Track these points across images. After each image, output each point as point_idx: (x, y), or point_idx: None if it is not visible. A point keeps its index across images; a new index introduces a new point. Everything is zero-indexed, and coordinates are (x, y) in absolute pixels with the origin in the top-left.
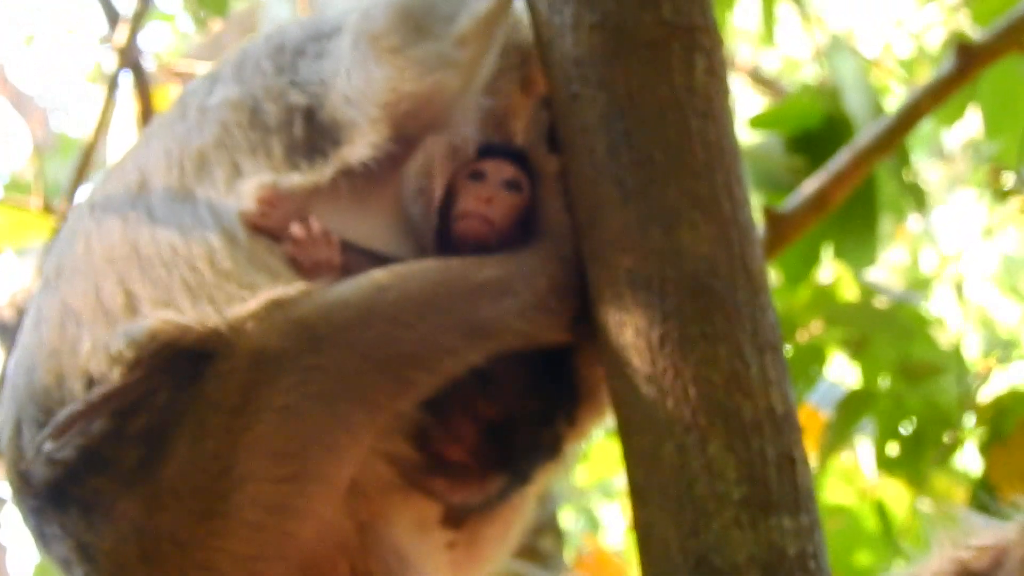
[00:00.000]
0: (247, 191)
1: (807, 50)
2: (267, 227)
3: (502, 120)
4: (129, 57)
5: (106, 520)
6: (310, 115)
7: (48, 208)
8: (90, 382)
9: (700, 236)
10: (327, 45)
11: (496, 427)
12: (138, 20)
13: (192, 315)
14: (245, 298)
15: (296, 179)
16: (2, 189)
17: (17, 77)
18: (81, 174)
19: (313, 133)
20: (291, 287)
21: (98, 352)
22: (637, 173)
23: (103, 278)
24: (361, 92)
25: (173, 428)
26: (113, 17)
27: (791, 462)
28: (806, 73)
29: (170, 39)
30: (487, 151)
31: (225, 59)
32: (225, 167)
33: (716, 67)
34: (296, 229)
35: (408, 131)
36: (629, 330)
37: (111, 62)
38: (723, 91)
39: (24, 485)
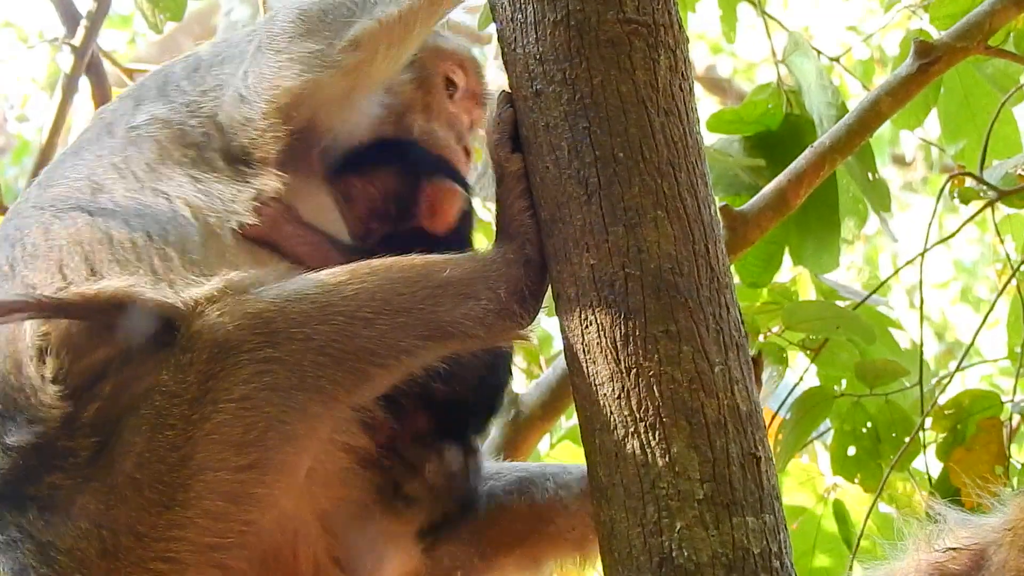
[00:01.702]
0: (239, 204)
1: (762, 52)
2: (262, 234)
3: (400, 117)
4: (86, 59)
5: (65, 517)
6: (217, 120)
7: (4, 211)
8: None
9: (663, 234)
10: (231, 51)
11: (449, 409)
12: (95, 22)
13: (152, 293)
14: (204, 284)
15: (270, 184)
16: None
17: None
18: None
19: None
20: (246, 273)
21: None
22: (600, 171)
23: (69, 257)
24: (252, 89)
25: (128, 417)
26: (71, 18)
27: (756, 460)
28: (761, 76)
29: (125, 40)
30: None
31: (144, 81)
32: (181, 177)
33: (679, 65)
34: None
35: (295, 124)
36: (592, 328)
37: (68, 64)
38: (687, 88)
39: None
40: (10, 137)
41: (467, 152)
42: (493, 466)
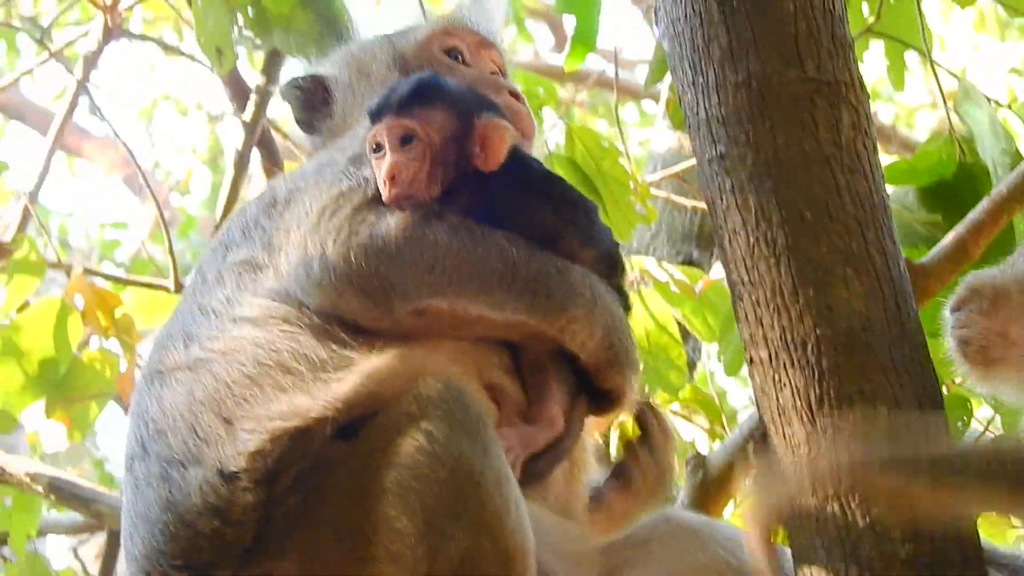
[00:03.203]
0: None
1: (922, 98)
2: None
3: None
4: (256, 133)
5: None
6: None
7: (180, 287)
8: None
9: (853, 293)
10: (304, 183)
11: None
12: (265, 95)
13: (314, 408)
14: (342, 379)
15: None
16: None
17: (135, 153)
18: None
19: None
20: (383, 356)
21: (212, 481)
22: (788, 231)
23: (195, 420)
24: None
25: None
26: (240, 93)
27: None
28: (921, 121)
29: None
30: (373, 114)
31: (229, 223)
32: (260, 299)
33: (862, 122)
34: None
35: None
36: (786, 390)
37: (238, 137)
38: (870, 146)
39: None
40: (173, 211)
41: (515, 95)
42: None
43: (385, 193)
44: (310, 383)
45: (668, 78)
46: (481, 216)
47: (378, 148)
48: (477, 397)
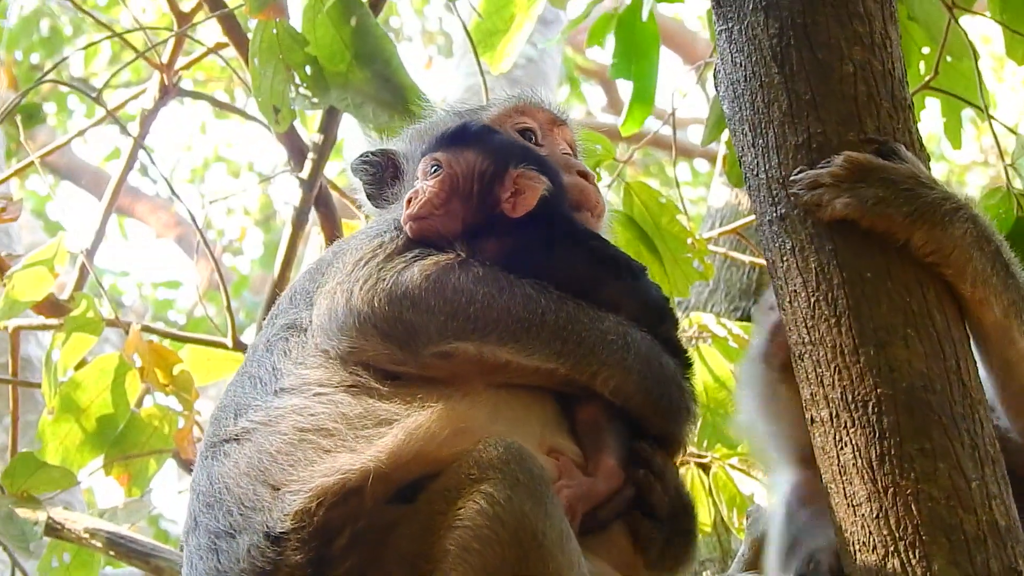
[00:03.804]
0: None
1: (975, 155)
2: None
3: None
4: (315, 191)
5: None
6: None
7: (238, 345)
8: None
9: (914, 352)
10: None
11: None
12: (323, 154)
13: (356, 463)
14: (383, 434)
15: None
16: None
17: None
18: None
19: None
20: (425, 411)
21: (259, 544)
22: (848, 291)
23: (242, 491)
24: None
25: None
26: (298, 152)
27: (1017, 575)
28: (972, 178)
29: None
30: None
31: (280, 298)
32: (303, 369)
33: None
34: None
35: None
36: (848, 449)
37: (295, 195)
38: None
39: None
40: (226, 270)
41: (585, 175)
42: None
43: (403, 216)
44: (351, 440)
45: (724, 134)
46: (514, 266)
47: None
48: (536, 457)
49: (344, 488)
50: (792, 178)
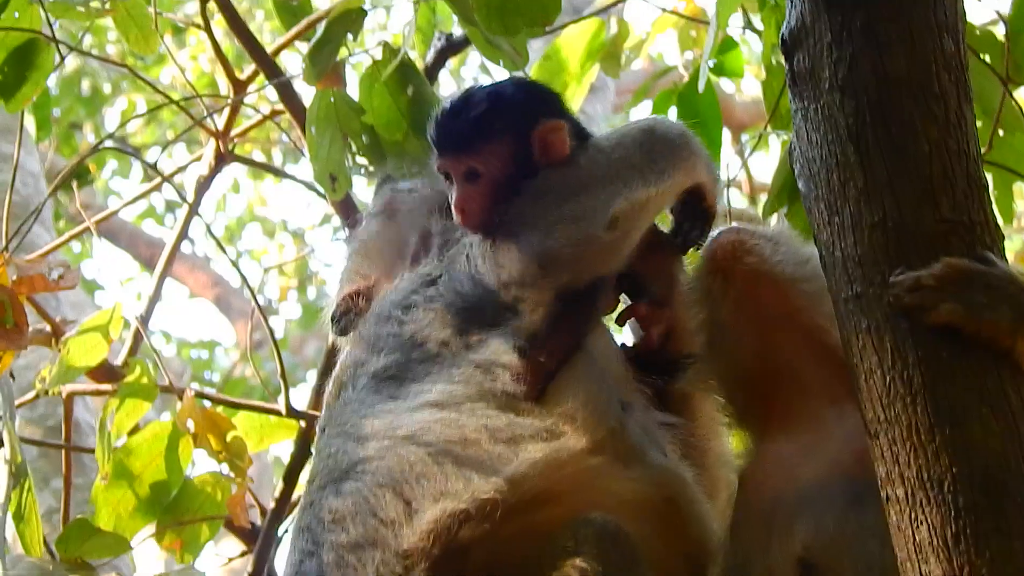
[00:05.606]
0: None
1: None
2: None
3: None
4: None
5: None
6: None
7: (291, 411)
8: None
9: (989, 431)
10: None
11: None
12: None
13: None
14: (510, 460)
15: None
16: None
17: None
18: (325, 374)
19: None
20: (539, 447)
21: (389, 562)
22: (924, 370)
23: (379, 499)
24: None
25: None
26: (348, 211)
27: None
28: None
29: None
30: (435, 147)
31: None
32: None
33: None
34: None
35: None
36: (923, 528)
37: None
38: None
39: None
40: (264, 332)
41: None
42: None
43: (457, 219)
44: (485, 457)
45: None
46: None
47: (447, 176)
48: (631, 535)
49: (464, 513)
50: (892, 279)
